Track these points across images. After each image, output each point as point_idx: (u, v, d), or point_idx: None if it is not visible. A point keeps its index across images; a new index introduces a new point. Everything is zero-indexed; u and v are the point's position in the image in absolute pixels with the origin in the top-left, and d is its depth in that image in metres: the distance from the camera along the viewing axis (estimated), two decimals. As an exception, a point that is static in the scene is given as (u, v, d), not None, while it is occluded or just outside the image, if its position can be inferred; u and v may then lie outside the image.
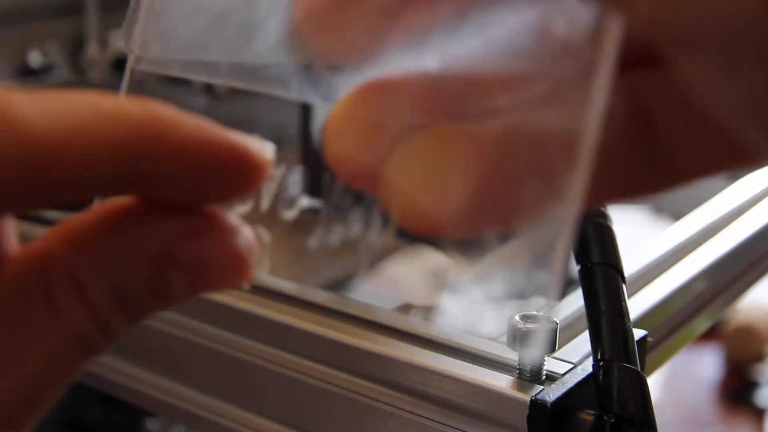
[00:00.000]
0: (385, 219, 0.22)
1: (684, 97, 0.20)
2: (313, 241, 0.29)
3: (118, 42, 0.74)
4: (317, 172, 0.28)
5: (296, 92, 0.23)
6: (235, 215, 0.23)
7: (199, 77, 0.25)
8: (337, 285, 0.62)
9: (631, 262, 0.48)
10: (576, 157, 0.19)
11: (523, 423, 0.37)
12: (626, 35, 0.19)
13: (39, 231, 0.51)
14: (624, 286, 0.39)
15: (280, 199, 0.26)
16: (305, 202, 0.25)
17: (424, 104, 0.21)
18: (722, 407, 1.42)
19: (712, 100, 0.19)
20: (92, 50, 0.74)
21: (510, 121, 0.20)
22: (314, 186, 0.26)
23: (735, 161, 0.21)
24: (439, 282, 0.57)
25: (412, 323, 0.43)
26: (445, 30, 0.20)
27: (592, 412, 0.37)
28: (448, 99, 0.21)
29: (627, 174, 0.21)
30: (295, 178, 0.26)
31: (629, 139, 0.20)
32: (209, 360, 0.47)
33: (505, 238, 0.21)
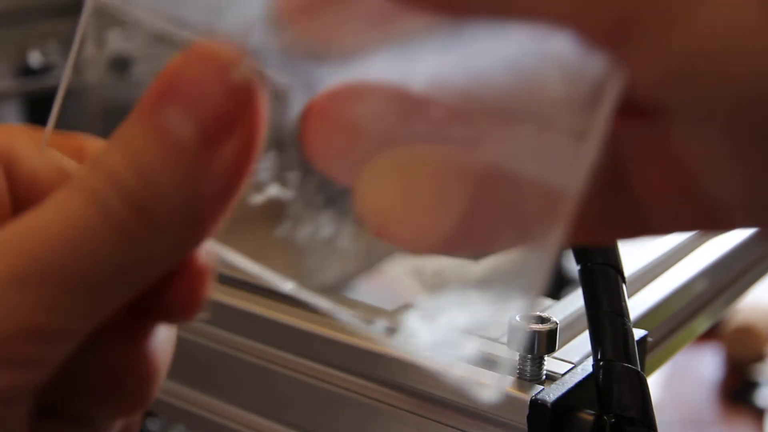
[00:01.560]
0: (359, 226, 0.21)
1: (666, 157, 0.19)
2: (280, 233, 0.28)
3: (115, 42, 0.74)
4: (290, 162, 0.27)
5: (271, 71, 0.22)
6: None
7: (164, 28, 0.24)
8: (336, 285, 0.62)
9: (631, 262, 0.48)
10: (558, 210, 0.18)
11: (523, 423, 0.37)
12: (627, 91, 0.18)
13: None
14: (624, 286, 0.39)
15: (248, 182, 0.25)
16: (274, 190, 0.24)
17: (407, 118, 0.21)
18: (722, 407, 1.42)
19: (709, 169, 0.18)
20: (89, 50, 0.74)
21: (494, 157, 0.19)
22: (285, 175, 0.25)
23: (706, 225, 0.20)
24: (439, 282, 0.57)
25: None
26: (438, 49, 0.20)
27: (592, 412, 0.37)
28: (432, 119, 0.20)
29: (593, 219, 0.20)
30: (267, 164, 0.25)
31: (599, 185, 0.19)
32: (209, 360, 0.47)
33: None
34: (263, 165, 0.25)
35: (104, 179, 0.21)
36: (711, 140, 0.18)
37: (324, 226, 0.24)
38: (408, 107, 0.21)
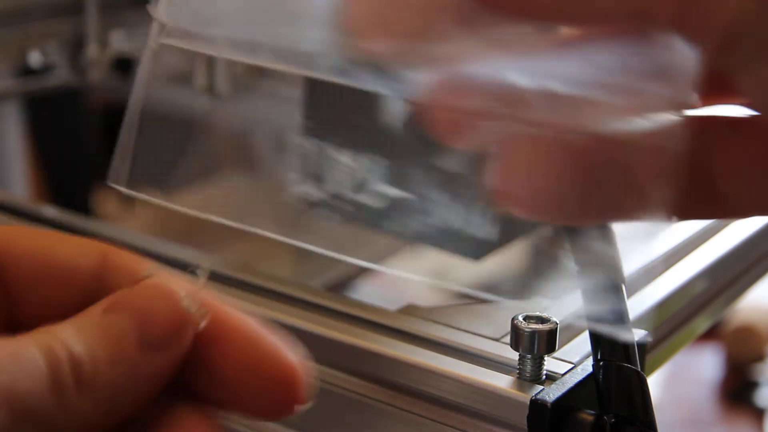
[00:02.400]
0: (487, 215, 0.25)
1: (750, 151, 0.22)
2: (399, 229, 0.29)
3: (118, 42, 0.74)
4: (400, 161, 0.28)
5: (357, 81, 0.24)
6: None
7: (229, 55, 0.25)
8: (338, 285, 0.62)
9: (631, 262, 0.48)
10: (666, 171, 0.21)
11: (523, 423, 0.37)
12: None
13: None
14: (624, 287, 0.39)
15: (362, 189, 0.27)
16: (392, 191, 0.26)
17: (504, 104, 0.23)
18: (722, 407, 1.42)
19: None
20: (92, 50, 0.74)
21: (603, 131, 0.22)
22: (399, 175, 0.27)
23: None
24: (441, 282, 0.57)
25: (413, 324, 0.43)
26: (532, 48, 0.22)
27: (592, 412, 0.37)
28: (528, 104, 0.22)
29: (679, 199, 0.22)
30: (369, 165, 0.26)
31: (687, 168, 0.22)
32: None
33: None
34: (365, 167, 0.26)
35: (59, 342, 0.25)
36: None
37: (443, 213, 0.26)
38: (508, 95, 0.23)
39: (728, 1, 0.19)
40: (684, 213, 0.24)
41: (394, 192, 0.26)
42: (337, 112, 0.31)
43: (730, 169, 0.23)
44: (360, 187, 0.27)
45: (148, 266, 0.28)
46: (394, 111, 0.27)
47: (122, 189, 0.28)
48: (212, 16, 0.25)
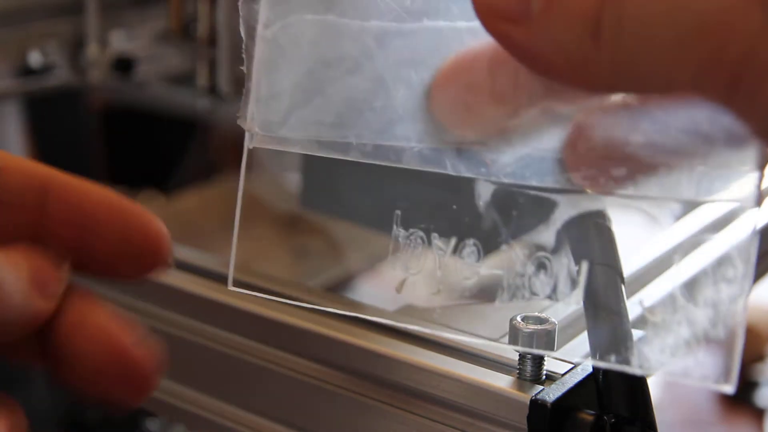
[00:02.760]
0: (573, 283, 0.27)
1: None
2: (497, 304, 0.32)
3: (118, 42, 0.74)
4: (492, 239, 0.31)
5: (451, 169, 0.26)
6: None
7: (327, 154, 0.27)
8: (338, 285, 0.62)
9: (631, 262, 0.48)
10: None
11: (523, 423, 0.37)
12: None
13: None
14: (623, 287, 0.39)
15: (456, 271, 0.29)
16: (484, 270, 0.28)
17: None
18: (722, 407, 1.42)
19: None
20: (92, 50, 0.74)
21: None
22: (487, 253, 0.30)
23: None
24: (440, 283, 0.57)
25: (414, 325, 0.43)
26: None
27: (592, 412, 0.37)
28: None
29: None
30: (470, 249, 0.28)
31: None
32: (209, 360, 0.47)
33: None
34: (468, 251, 0.28)
35: None
36: None
37: (539, 292, 0.28)
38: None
39: None
40: None
41: (484, 270, 0.29)
42: (428, 198, 0.33)
43: None
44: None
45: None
46: (481, 192, 0.29)
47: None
48: (299, 119, 0.26)
